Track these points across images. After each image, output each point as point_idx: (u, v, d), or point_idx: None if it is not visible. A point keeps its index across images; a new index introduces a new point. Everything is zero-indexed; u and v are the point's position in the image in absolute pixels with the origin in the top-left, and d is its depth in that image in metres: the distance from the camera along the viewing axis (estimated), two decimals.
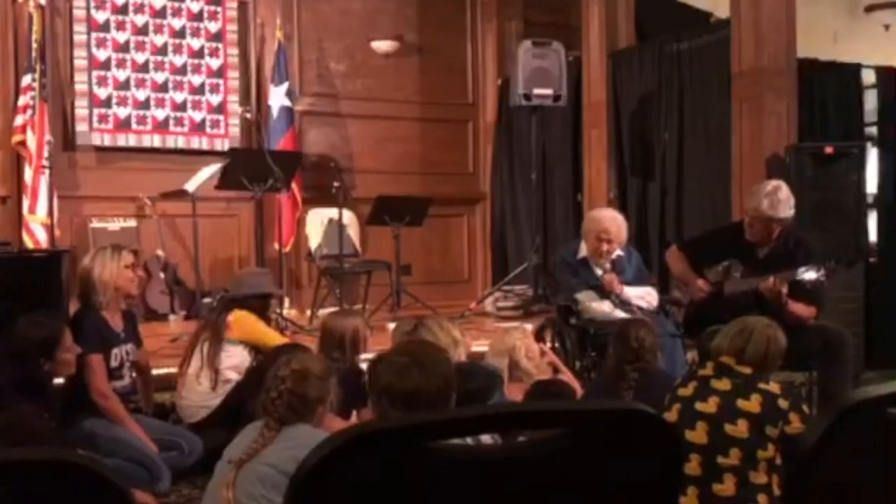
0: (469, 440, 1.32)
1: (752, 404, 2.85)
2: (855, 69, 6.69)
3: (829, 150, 6.01)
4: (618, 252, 4.95)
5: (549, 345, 4.78)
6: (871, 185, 6.60)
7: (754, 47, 6.35)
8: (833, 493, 1.06)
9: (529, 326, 5.61)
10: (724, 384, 2.94)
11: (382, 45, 8.30)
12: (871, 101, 6.84)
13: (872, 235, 6.60)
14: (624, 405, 1.08)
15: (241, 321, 4.31)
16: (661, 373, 3.59)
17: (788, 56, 6.33)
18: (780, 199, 4.45)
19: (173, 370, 4.36)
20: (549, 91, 7.15)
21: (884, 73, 6.77)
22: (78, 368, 3.66)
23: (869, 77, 6.79)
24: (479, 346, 4.83)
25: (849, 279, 5.97)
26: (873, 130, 6.94)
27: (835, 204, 6.00)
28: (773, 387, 2.91)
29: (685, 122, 7.11)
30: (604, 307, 4.80)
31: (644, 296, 4.89)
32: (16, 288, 3.87)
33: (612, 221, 4.93)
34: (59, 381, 3.68)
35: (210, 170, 6.20)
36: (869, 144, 6.74)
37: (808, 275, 4.29)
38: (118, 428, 3.83)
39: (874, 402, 1.02)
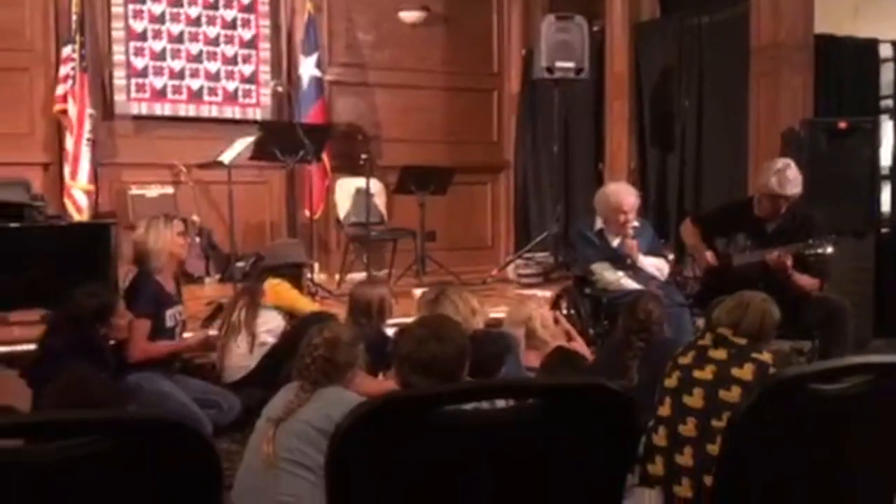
0: (486, 404, 1.59)
1: (745, 372, 3.09)
2: (872, 44, 6.81)
3: (842, 124, 6.17)
4: (634, 223, 5.19)
5: (564, 313, 5.04)
6: (887, 157, 6.76)
7: (773, 22, 6.49)
8: (763, 460, 1.30)
9: (549, 294, 5.88)
10: (720, 354, 3.18)
11: (409, 16, 8.47)
12: (887, 75, 6.97)
13: (886, 207, 6.77)
14: (589, 381, 1.33)
15: (276, 288, 4.61)
16: (665, 342, 3.82)
17: (806, 31, 6.47)
18: (788, 178, 4.66)
19: (212, 333, 4.66)
20: (571, 64, 7.33)
21: None
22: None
23: (886, 51, 6.92)
24: (500, 313, 5.10)
25: (860, 250, 6.17)
26: (890, 103, 7.08)
27: (848, 177, 6.17)
28: (766, 357, 3.14)
29: (704, 95, 7.27)
30: (618, 277, 5.05)
31: (657, 266, 5.14)
32: (68, 256, 4.17)
33: (628, 195, 5.17)
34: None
35: (244, 142, 6.47)
36: (886, 117, 6.89)
37: (826, 250, 4.52)
38: (163, 382, 4.15)
39: (797, 379, 1.26)
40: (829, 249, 4.48)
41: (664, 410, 3.19)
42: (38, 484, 1.06)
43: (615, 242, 5.16)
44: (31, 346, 4.12)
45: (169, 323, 4.31)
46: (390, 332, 4.23)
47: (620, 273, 5.06)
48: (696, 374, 3.17)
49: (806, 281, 4.63)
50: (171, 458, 1.08)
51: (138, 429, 1.09)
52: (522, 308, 4.26)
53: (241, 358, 4.48)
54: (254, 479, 2.86)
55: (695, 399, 3.12)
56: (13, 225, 4.26)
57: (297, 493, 2.76)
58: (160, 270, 4.33)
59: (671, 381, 3.23)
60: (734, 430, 1.27)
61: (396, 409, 1.13)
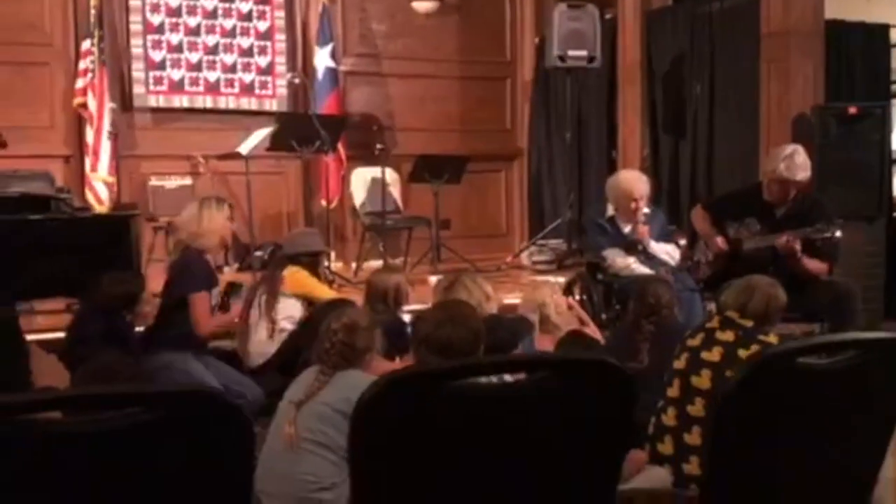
0: (494, 379, 1.69)
1: (752, 353, 3.18)
2: (882, 29, 6.87)
3: (852, 110, 6.24)
4: (644, 210, 5.29)
5: (577, 298, 5.14)
6: None
7: (783, 8, 6.56)
8: (754, 430, 1.39)
9: (562, 280, 5.98)
10: (727, 336, 3.27)
11: (423, 6, 8.56)
12: None
13: None
14: (594, 356, 1.43)
15: (295, 276, 4.73)
16: (675, 325, 3.91)
17: (816, 17, 6.53)
18: (797, 163, 4.73)
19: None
20: (583, 53, 7.41)
21: None
22: (164, 308, 4.12)
23: None
24: (514, 299, 5.20)
25: (871, 234, 6.26)
26: None
27: (858, 162, 6.25)
28: (772, 338, 3.23)
29: (716, 82, 7.33)
30: (628, 263, 5.15)
31: (668, 251, 5.24)
32: (94, 247, 4.31)
33: (639, 182, 5.26)
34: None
35: (262, 133, 6.60)
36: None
37: (834, 234, 4.60)
38: (194, 362, 4.26)
39: (787, 353, 1.36)
40: (837, 233, 4.56)
41: (673, 391, 3.28)
42: (86, 451, 1.17)
43: (626, 229, 5.25)
44: (55, 335, 4.26)
45: (212, 302, 4.45)
46: (406, 318, 4.35)
47: (632, 259, 5.16)
48: (704, 355, 3.26)
49: (815, 265, 4.71)
50: (209, 428, 1.19)
51: (178, 401, 1.19)
52: (536, 294, 4.35)
53: (261, 344, 4.59)
54: (277, 460, 2.97)
55: (702, 380, 3.21)
56: (39, 217, 4.40)
57: (319, 472, 2.87)
58: (209, 251, 4.45)
59: (680, 363, 3.32)
60: (727, 402, 1.37)
61: (412, 382, 1.23)
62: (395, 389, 1.22)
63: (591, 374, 1.30)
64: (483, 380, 1.36)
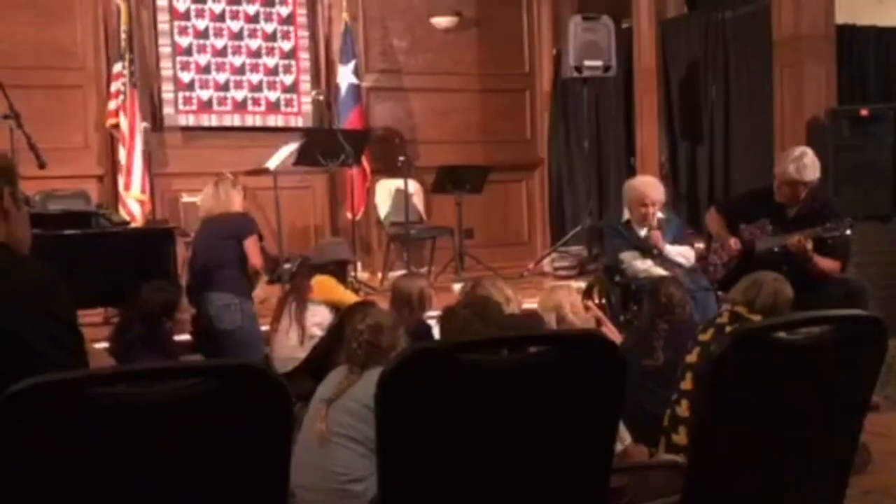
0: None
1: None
2: (893, 32, 6.99)
3: (864, 112, 6.37)
4: (659, 215, 5.45)
5: (596, 301, 5.29)
6: None
7: (794, 14, 6.68)
8: (732, 397, 1.55)
9: (583, 285, 6.13)
10: None
11: (442, 21, 8.75)
12: None
13: None
14: (586, 332, 1.59)
15: (323, 284, 4.93)
16: (688, 323, 4.06)
17: (827, 23, 6.66)
18: (806, 165, 4.87)
19: (265, 328, 4.99)
20: (599, 63, 7.59)
21: None
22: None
23: None
24: (533, 304, 5.36)
25: (886, 233, 6.36)
26: None
27: (871, 163, 6.37)
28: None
29: (731, 88, 7.48)
30: (646, 265, 5.31)
31: (683, 253, 5.40)
32: (137, 257, 4.54)
33: (652, 188, 5.42)
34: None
35: (289, 148, 6.81)
36: None
37: (844, 232, 4.73)
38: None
39: (763, 329, 1.52)
40: (847, 231, 4.69)
41: (686, 384, 3.44)
42: (150, 417, 1.36)
43: (642, 233, 5.41)
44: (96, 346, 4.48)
45: None
46: (431, 322, 4.52)
47: (649, 262, 5.32)
48: (714, 348, 3.41)
49: (826, 263, 4.84)
50: (254, 397, 1.37)
51: (229, 373, 1.38)
52: (553, 295, 4.50)
53: (292, 350, 4.79)
54: (309, 455, 3.15)
55: None
56: (90, 231, 4.65)
57: (349, 465, 3.05)
58: None
59: (692, 357, 3.49)
60: (709, 372, 1.54)
61: (426, 357, 1.41)
62: (414, 360, 1.39)
63: (584, 347, 1.47)
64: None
